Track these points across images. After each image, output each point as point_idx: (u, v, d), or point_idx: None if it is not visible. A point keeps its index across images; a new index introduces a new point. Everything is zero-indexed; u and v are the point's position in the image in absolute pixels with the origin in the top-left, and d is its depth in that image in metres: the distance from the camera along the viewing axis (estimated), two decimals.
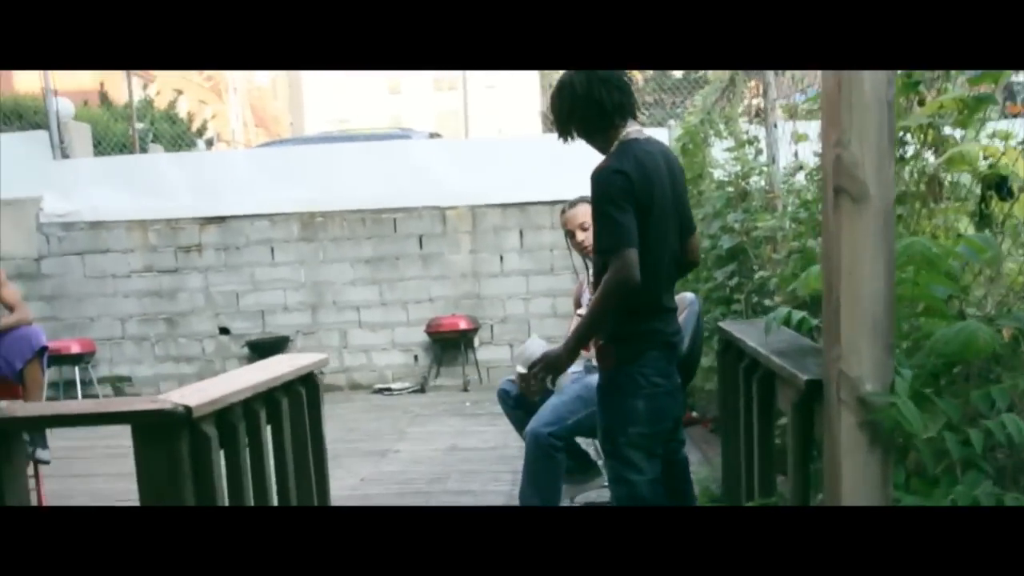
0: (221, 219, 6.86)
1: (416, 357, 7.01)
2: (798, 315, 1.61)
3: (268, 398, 2.22)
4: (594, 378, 2.81)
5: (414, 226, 6.91)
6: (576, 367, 3.04)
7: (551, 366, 2.24)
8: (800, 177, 3.34)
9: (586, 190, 3.11)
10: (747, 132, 4.14)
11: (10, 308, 3.58)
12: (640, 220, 2.09)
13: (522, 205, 6.86)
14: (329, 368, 6.96)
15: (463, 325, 6.74)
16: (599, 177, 2.14)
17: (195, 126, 13.97)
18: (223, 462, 1.93)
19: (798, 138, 3.44)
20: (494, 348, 6.99)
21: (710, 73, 5.01)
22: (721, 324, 2.22)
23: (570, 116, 2.20)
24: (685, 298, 2.64)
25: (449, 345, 6.86)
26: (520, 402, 3.06)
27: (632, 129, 2.21)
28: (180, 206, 6.82)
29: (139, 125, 10.65)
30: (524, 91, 30.76)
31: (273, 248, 6.90)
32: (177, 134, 11.24)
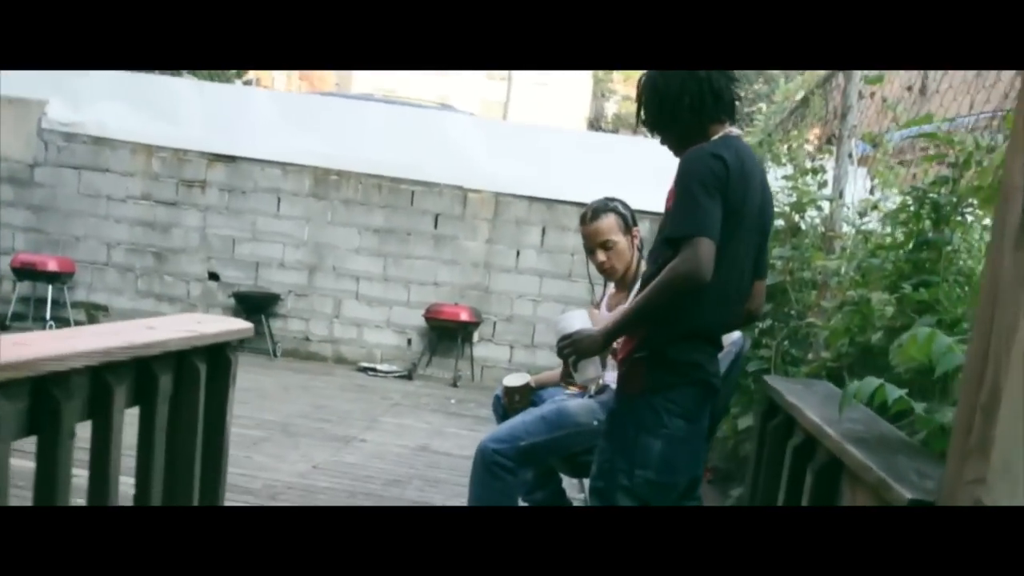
0: (231, 159, 6.44)
1: (410, 341, 6.57)
2: (895, 392, 1.10)
3: (141, 370, 1.59)
4: (574, 403, 2.48)
5: (432, 203, 6.46)
6: (562, 391, 2.65)
7: (578, 346, 1.93)
8: (873, 218, 2.87)
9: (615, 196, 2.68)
10: (812, 160, 3.68)
11: None
12: (724, 222, 1.74)
13: (550, 201, 6.40)
14: (316, 336, 6.55)
15: (464, 316, 6.29)
16: (693, 156, 1.79)
17: None
18: (39, 453, 1.32)
19: (876, 173, 2.98)
20: (493, 346, 6.53)
21: (779, 91, 4.52)
22: (767, 379, 1.72)
23: (678, 99, 1.85)
24: (729, 336, 2.18)
25: (446, 335, 6.41)
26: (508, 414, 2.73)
27: (734, 130, 1.91)
28: (190, 137, 6.41)
29: None
30: (575, 93, 30.27)
31: (280, 199, 6.48)
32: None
